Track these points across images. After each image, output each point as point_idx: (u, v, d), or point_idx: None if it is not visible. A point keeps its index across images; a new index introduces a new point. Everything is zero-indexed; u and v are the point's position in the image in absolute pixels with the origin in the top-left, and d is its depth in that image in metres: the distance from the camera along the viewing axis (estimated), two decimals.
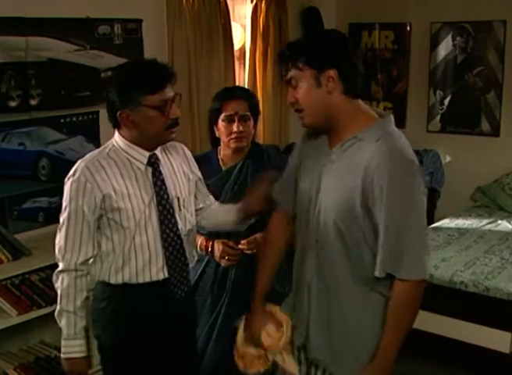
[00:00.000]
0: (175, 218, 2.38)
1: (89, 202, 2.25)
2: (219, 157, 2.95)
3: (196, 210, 2.57)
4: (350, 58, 2.03)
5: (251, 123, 2.88)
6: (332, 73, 1.95)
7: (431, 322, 3.80)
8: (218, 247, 2.84)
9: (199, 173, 2.59)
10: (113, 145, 2.36)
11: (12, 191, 3.66)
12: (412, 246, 1.96)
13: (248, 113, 2.85)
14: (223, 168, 2.93)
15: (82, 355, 2.35)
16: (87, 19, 3.94)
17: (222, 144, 2.93)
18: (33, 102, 3.71)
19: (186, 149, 2.58)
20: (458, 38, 5.55)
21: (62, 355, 2.37)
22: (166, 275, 2.38)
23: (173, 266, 2.39)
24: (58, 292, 2.34)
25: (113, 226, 2.31)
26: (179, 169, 2.47)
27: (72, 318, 2.31)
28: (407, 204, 1.93)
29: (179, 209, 2.41)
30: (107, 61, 3.97)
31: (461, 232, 4.75)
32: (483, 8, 5.35)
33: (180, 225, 2.41)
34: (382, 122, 2.02)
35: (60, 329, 2.37)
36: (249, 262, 2.75)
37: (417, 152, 5.63)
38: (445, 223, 5.04)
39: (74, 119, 3.88)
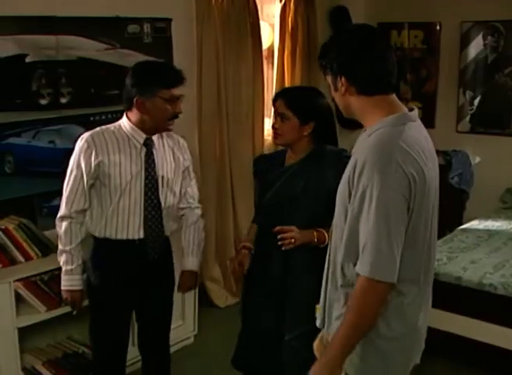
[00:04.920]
0: (158, 191, 2.91)
1: (86, 164, 2.80)
2: (287, 154, 2.95)
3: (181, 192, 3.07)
4: (359, 63, 2.02)
5: (291, 122, 2.80)
6: (343, 78, 2.04)
7: (460, 324, 3.77)
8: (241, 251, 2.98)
9: (189, 163, 3.09)
10: (119, 125, 2.89)
11: (42, 188, 3.70)
12: (366, 241, 1.92)
13: (285, 112, 2.80)
14: (285, 165, 2.94)
15: (78, 288, 2.94)
16: (116, 18, 3.97)
17: None
18: (63, 100, 3.75)
19: (181, 140, 3.09)
20: (489, 37, 5.48)
21: (62, 287, 2.94)
22: (142, 236, 2.89)
23: (150, 230, 2.92)
24: (59, 236, 2.90)
25: (103, 189, 2.84)
26: (170, 154, 2.99)
27: (69, 256, 2.88)
28: (370, 196, 1.90)
29: (162, 186, 2.92)
30: (136, 60, 3.93)
31: (490, 234, 4.69)
32: None
33: (161, 199, 2.92)
34: (385, 120, 2.02)
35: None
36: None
37: (446, 153, 5.62)
38: (474, 224, 4.97)
39: (103, 117, 3.91)
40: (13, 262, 3.39)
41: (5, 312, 3.20)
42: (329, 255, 2.17)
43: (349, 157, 2.77)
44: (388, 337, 2.05)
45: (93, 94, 3.91)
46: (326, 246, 2.64)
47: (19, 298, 3.30)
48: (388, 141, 1.94)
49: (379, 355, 2.06)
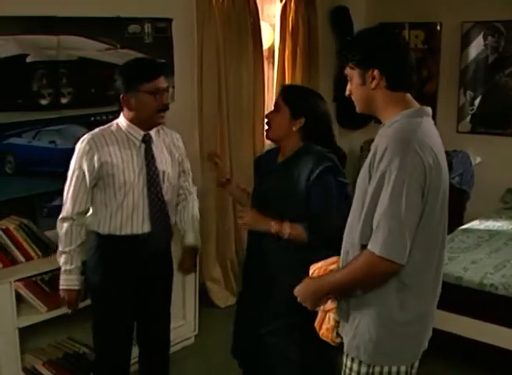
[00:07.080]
0: (160, 186, 2.96)
1: (89, 166, 2.83)
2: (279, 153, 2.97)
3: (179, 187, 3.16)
4: (392, 56, 2.14)
5: (282, 113, 2.82)
6: (375, 72, 2.13)
7: (460, 325, 3.77)
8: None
9: (183, 155, 3.14)
10: (117, 124, 2.93)
11: (43, 188, 3.70)
12: (379, 221, 2.00)
13: (279, 102, 2.86)
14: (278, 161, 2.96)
15: (76, 287, 2.96)
16: (117, 18, 3.97)
17: None
18: (63, 101, 3.75)
19: (177, 135, 3.13)
20: (490, 38, 5.48)
21: (61, 287, 2.97)
22: (146, 230, 2.93)
23: (156, 224, 2.95)
24: (59, 237, 2.93)
25: (107, 188, 2.87)
26: (168, 149, 3.04)
27: (68, 257, 2.92)
28: (388, 179, 1.99)
29: (163, 181, 2.97)
30: None
31: (491, 234, 4.69)
32: None
33: (164, 192, 2.97)
34: (405, 112, 2.13)
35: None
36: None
37: (446, 153, 5.58)
38: (474, 224, 4.97)
39: (104, 117, 3.90)
40: (14, 262, 3.39)
41: (5, 312, 3.19)
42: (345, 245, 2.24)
43: (330, 159, 2.75)
44: (403, 323, 2.13)
45: (93, 94, 3.91)
46: (305, 247, 2.71)
47: (19, 298, 3.30)
48: (407, 130, 2.07)
49: (393, 341, 2.15)
